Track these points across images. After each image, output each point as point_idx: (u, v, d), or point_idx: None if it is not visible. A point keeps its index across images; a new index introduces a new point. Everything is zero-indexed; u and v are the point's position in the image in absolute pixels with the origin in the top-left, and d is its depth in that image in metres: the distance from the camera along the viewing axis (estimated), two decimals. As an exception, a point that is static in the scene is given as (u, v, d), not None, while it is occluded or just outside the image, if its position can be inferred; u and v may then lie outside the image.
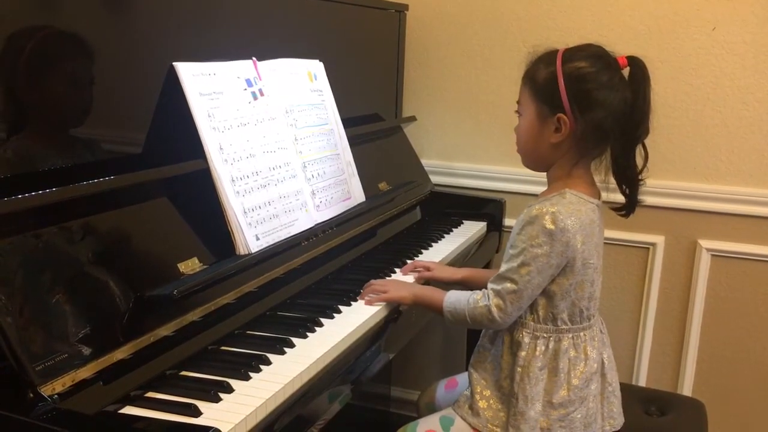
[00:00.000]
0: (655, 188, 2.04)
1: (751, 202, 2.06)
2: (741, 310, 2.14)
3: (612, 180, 1.41)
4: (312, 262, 1.57)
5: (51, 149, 1.16)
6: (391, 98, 2.31)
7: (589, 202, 1.37)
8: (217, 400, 1.09)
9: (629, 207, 1.42)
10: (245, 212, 1.39)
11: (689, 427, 1.69)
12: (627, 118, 1.33)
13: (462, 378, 1.69)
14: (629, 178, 1.39)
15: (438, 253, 1.90)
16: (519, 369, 1.38)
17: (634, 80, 1.34)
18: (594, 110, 1.32)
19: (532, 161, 1.44)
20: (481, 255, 2.10)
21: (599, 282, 1.43)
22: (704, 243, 2.12)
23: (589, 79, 1.32)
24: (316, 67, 1.77)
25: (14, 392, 0.95)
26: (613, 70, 1.34)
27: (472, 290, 1.44)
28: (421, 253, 1.88)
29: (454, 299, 1.45)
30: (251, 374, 1.17)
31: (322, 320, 1.40)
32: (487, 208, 2.24)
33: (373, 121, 2.17)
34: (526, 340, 1.39)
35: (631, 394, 1.73)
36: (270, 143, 1.51)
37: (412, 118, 2.35)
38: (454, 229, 2.13)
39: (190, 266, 1.26)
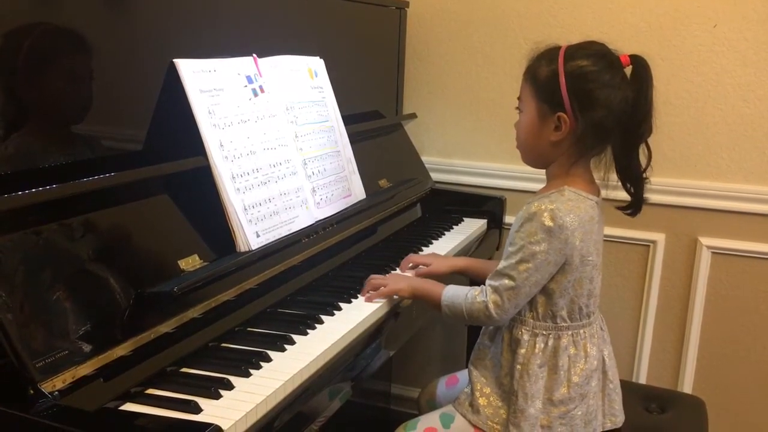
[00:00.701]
0: (656, 185, 2.01)
1: (752, 200, 2.06)
2: (741, 307, 2.14)
3: (613, 177, 1.40)
4: (312, 259, 1.57)
5: (52, 146, 1.16)
6: (391, 95, 2.31)
7: (588, 199, 1.37)
8: (218, 396, 1.09)
9: (635, 206, 1.41)
10: (246, 209, 1.39)
11: (689, 424, 1.69)
12: (628, 117, 1.32)
13: (462, 375, 1.70)
14: (633, 177, 1.38)
15: (438, 250, 1.89)
16: (518, 366, 1.38)
17: (637, 79, 1.33)
18: (595, 110, 1.31)
19: (532, 158, 1.44)
20: (482, 252, 2.10)
21: (599, 279, 1.43)
22: (705, 240, 2.12)
23: (591, 78, 1.31)
24: (317, 64, 1.76)
25: (15, 389, 0.95)
26: (615, 68, 1.33)
27: (473, 279, 1.44)
28: (422, 250, 1.88)
29: (452, 294, 1.44)
30: (252, 371, 1.17)
31: (323, 317, 1.40)
32: (487, 205, 2.24)
33: (374, 118, 2.16)
34: (526, 337, 1.39)
35: (631, 391, 1.73)
36: (270, 140, 1.51)
37: (413, 115, 2.35)
38: (454, 227, 2.13)
39: (191, 263, 1.26)
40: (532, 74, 1.38)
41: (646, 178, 1.39)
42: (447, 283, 1.50)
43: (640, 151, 1.37)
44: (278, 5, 1.71)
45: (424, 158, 2.33)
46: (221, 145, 1.37)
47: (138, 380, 1.10)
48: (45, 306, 1.02)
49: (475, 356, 1.49)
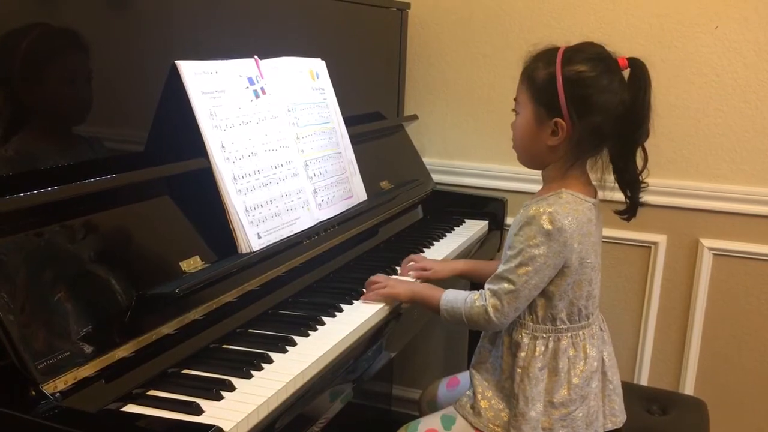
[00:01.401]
0: (657, 187, 2.04)
1: (753, 201, 2.06)
2: (743, 309, 2.14)
3: (610, 179, 1.40)
4: (314, 261, 1.57)
5: (53, 148, 1.16)
6: (392, 97, 2.31)
7: (585, 201, 1.36)
8: (219, 398, 1.09)
9: (631, 210, 1.41)
10: (247, 210, 1.39)
11: (691, 425, 1.69)
12: (625, 120, 1.31)
13: (463, 377, 1.69)
14: (629, 181, 1.38)
15: (439, 251, 1.90)
16: (519, 370, 1.38)
17: (635, 83, 1.32)
18: (592, 115, 1.30)
19: (528, 160, 1.43)
20: (483, 254, 2.10)
21: (598, 280, 1.43)
22: (706, 242, 2.12)
23: (589, 84, 1.30)
24: (318, 65, 1.76)
25: (16, 390, 0.95)
26: (614, 72, 1.32)
27: (474, 282, 1.43)
28: (423, 251, 1.88)
29: (452, 298, 1.44)
30: (253, 372, 1.17)
31: (324, 319, 1.40)
32: (488, 206, 2.24)
33: (375, 119, 2.16)
34: (525, 340, 1.39)
35: (632, 392, 1.73)
36: (272, 142, 1.51)
37: (414, 117, 2.35)
38: (455, 228, 2.13)
39: (192, 264, 1.26)
40: (529, 76, 1.37)
41: (643, 182, 1.38)
42: (448, 287, 1.49)
43: (637, 154, 1.36)
44: (279, 7, 1.71)
45: (425, 159, 2.33)
46: (223, 147, 1.37)
47: (139, 381, 1.10)
48: (47, 307, 1.02)
49: (477, 359, 1.49)
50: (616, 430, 1.48)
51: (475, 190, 2.34)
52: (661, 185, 2.08)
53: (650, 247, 2.19)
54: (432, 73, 2.37)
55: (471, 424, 1.44)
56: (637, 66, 1.34)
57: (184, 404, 1.06)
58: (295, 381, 1.18)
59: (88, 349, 1.03)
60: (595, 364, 1.41)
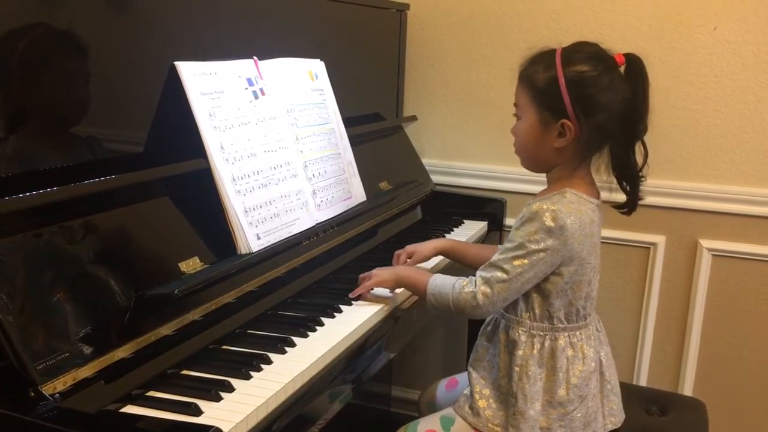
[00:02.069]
0: (656, 188, 2.04)
1: (752, 202, 2.06)
2: (742, 309, 2.14)
3: (614, 180, 1.40)
4: (313, 262, 1.57)
5: (52, 148, 1.16)
6: (392, 98, 2.31)
7: (589, 201, 1.37)
8: (218, 399, 1.09)
9: (631, 204, 1.42)
10: (246, 211, 1.39)
11: (690, 426, 1.69)
12: (627, 116, 1.32)
13: (462, 377, 1.69)
14: (630, 176, 1.38)
15: (439, 252, 1.89)
16: (517, 368, 1.38)
17: (632, 78, 1.33)
18: (598, 114, 1.31)
19: (533, 163, 1.43)
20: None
21: (596, 282, 1.43)
22: (705, 243, 2.12)
23: (591, 83, 1.31)
24: (317, 66, 1.77)
25: (15, 391, 0.95)
26: (613, 70, 1.33)
27: (456, 260, 1.43)
28: (413, 245, 1.87)
29: (440, 283, 1.43)
30: (252, 373, 1.17)
31: (323, 319, 1.40)
32: (488, 207, 2.24)
33: (374, 120, 2.17)
34: (523, 338, 1.39)
35: (631, 393, 1.73)
36: (271, 142, 1.51)
37: (413, 118, 2.35)
38: (455, 229, 2.13)
39: (192, 265, 1.26)
40: (528, 80, 1.36)
41: (643, 177, 1.39)
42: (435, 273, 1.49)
43: (636, 149, 1.37)
44: (279, 8, 1.71)
45: (424, 160, 2.33)
46: (222, 148, 1.37)
47: (139, 382, 1.10)
48: (46, 308, 1.02)
49: (474, 357, 1.49)
50: (615, 429, 1.48)
51: (474, 191, 2.34)
52: (660, 186, 2.08)
53: (649, 247, 2.19)
54: (431, 74, 2.37)
55: (470, 424, 1.44)
56: (634, 61, 1.34)
57: (183, 405, 1.06)
58: (294, 382, 1.18)
59: (87, 350, 1.03)
60: (593, 364, 1.41)
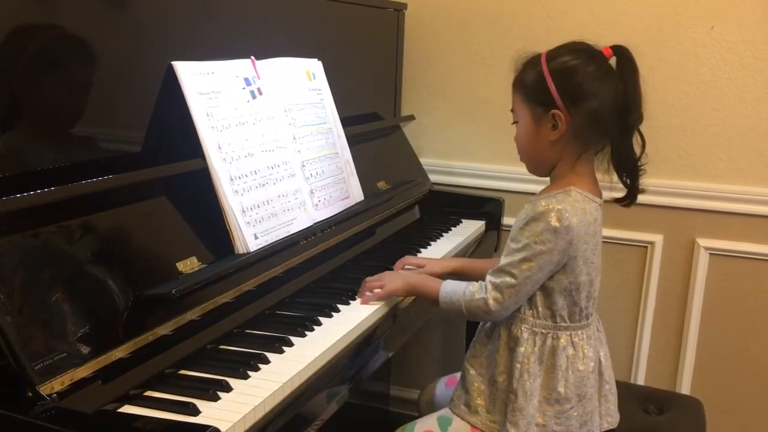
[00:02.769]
0: (654, 187, 2.03)
1: (750, 201, 2.06)
2: (739, 308, 2.14)
3: (612, 178, 1.41)
4: (311, 261, 1.57)
5: (50, 148, 1.16)
6: (389, 97, 2.31)
7: (592, 201, 1.37)
8: (216, 398, 1.09)
9: (631, 196, 1.42)
10: (244, 211, 1.39)
11: (688, 425, 1.70)
12: (621, 106, 1.33)
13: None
14: (628, 167, 1.39)
15: (436, 252, 1.90)
16: (518, 365, 1.38)
17: (622, 69, 1.35)
18: (587, 101, 1.32)
19: (536, 165, 1.44)
20: (480, 254, 2.10)
21: (598, 281, 1.44)
22: (702, 242, 2.12)
23: (577, 71, 1.34)
24: (315, 66, 1.77)
25: (13, 391, 0.95)
26: (599, 60, 1.35)
27: (467, 280, 1.44)
28: (420, 252, 1.88)
29: (450, 290, 1.44)
30: (250, 373, 1.17)
31: (321, 319, 1.40)
32: (485, 207, 2.24)
33: (372, 120, 2.17)
34: (525, 335, 1.39)
35: (629, 392, 1.73)
36: (268, 142, 1.51)
37: (411, 117, 2.35)
38: (452, 228, 2.13)
39: (189, 265, 1.26)
40: (519, 82, 1.40)
41: (642, 168, 1.39)
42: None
43: (634, 141, 1.37)
44: (276, 7, 1.71)
45: (422, 160, 2.33)
46: (219, 147, 1.37)
47: (136, 382, 1.10)
48: (43, 308, 1.02)
49: (471, 354, 1.49)
50: (611, 430, 1.48)
51: (472, 191, 2.34)
52: (657, 185, 2.08)
53: (647, 246, 2.19)
54: (429, 73, 2.37)
55: (468, 422, 1.44)
56: (622, 52, 1.36)
57: (181, 405, 1.06)
58: (292, 381, 1.18)
59: (85, 349, 1.03)
60: (592, 364, 1.42)
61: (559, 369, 1.38)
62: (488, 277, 1.40)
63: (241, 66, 1.50)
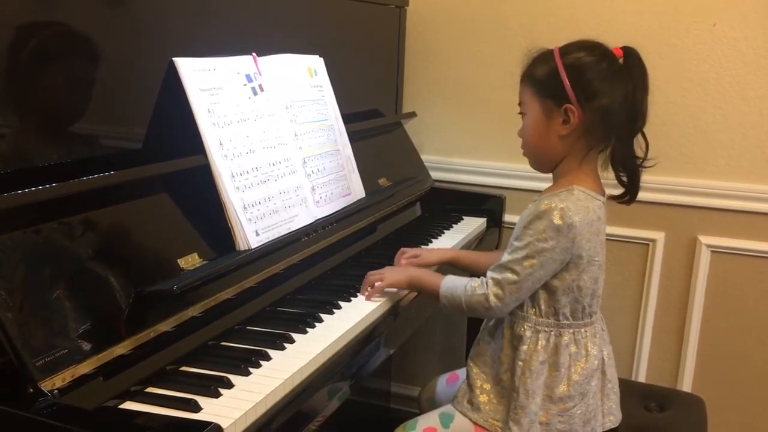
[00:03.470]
0: (655, 184, 2.04)
1: (751, 198, 2.06)
2: (741, 306, 2.14)
3: (612, 176, 1.41)
4: (312, 258, 1.57)
5: (51, 145, 1.16)
6: (391, 94, 2.31)
7: (596, 199, 1.37)
8: (217, 395, 1.09)
9: (631, 193, 1.42)
10: (245, 208, 1.39)
11: (689, 423, 1.69)
12: (629, 107, 1.33)
13: (462, 373, 1.69)
14: (630, 167, 1.39)
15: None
16: (520, 363, 1.38)
17: (632, 69, 1.35)
18: (599, 98, 1.32)
19: (541, 160, 1.44)
20: (481, 251, 2.10)
21: (602, 279, 1.44)
22: (704, 239, 2.12)
23: (591, 68, 1.33)
24: (316, 62, 1.76)
25: (14, 387, 0.95)
26: (611, 59, 1.35)
27: (462, 270, 1.44)
28: (421, 249, 1.88)
29: (451, 285, 1.44)
30: (251, 370, 1.17)
31: (322, 316, 1.40)
32: (487, 204, 2.24)
33: (373, 116, 2.16)
34: (528, 333, 1.39)
35: (630, 389, 1.73)
36: (270, 139, 1.51)
37: (412, 114, 2.35)
38: (454, 225, 2.13)
39: (190, 262, 1.26)
40: (530, 76, 1.40)
41: (642, 165, 1.39)
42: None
43: (635, 141, 1.37)
44: (278, 4, 1.71)
45: (423, 157, 2.33)
46: (221, 144, 1.37)
47: (138, 379, 1.10)
48: (44, 305, 1.02)
49: (475, 352, 1.50)
50: (613, 428, 1.48)
51: (473, 188, 2.34)
52: (659, 182, 2.08)
53: (648, 244, 2.19)
54: (430, 70, 2.37)
55: (470, 419, 1.44)
56: (631, 54, 1.36)
57: (183, 401, 1.06)
58: (293, 378, 1.18)
59: (86, 346, 1.03)
60: (596, 362, 1.42)
61: (561, 367, 1.38)
62: (489, 273, 1.40)
63: (243, 62, 1.50)
